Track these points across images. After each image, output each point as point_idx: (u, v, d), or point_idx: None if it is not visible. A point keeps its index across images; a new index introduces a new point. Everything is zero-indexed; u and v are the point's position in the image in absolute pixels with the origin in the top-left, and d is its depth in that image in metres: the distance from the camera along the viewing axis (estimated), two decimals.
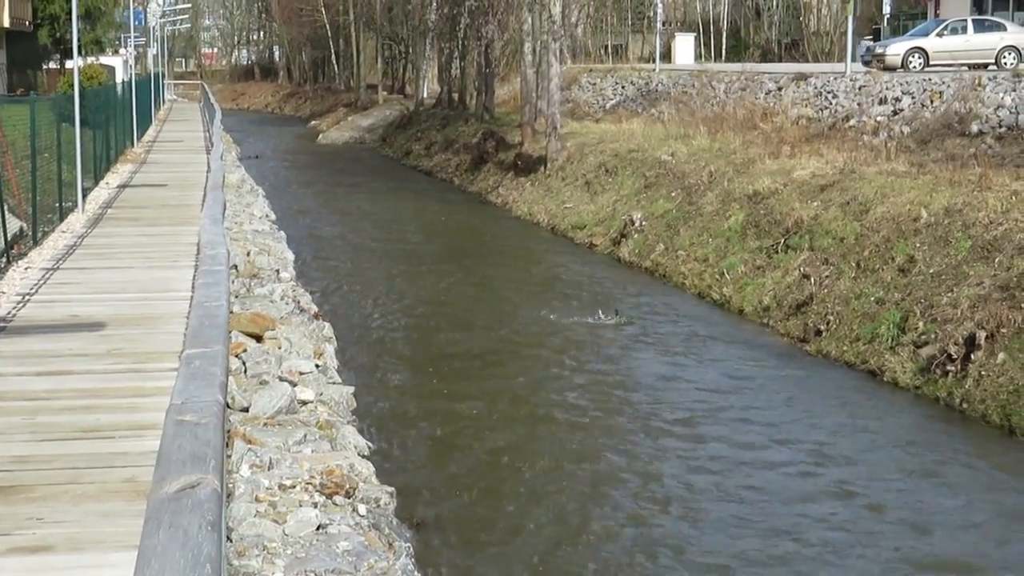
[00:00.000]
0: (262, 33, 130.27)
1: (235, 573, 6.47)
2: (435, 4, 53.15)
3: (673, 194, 24.85)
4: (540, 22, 35.76)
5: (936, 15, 41.79)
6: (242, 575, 6.50)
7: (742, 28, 73.13)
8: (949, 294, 15.24)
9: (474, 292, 21.52)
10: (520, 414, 13.77)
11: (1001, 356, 13.55)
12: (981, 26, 31.57)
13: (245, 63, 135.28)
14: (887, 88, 27.72)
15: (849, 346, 16.00)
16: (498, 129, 40.26)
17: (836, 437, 12.98)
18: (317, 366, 11.40)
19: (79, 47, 23.62)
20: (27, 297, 12.62)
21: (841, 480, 11.61)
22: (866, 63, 32.16)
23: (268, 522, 7.15)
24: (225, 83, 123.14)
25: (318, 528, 7.22)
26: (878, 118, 27.01)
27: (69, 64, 44.39)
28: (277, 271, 16.46)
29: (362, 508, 7.89)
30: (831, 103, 29.38)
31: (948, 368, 14.05)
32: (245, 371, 10.45)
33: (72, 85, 22.40)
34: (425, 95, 58.97)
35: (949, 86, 26.08)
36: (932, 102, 26.08)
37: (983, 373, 13.59)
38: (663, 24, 57.93)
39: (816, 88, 30.58)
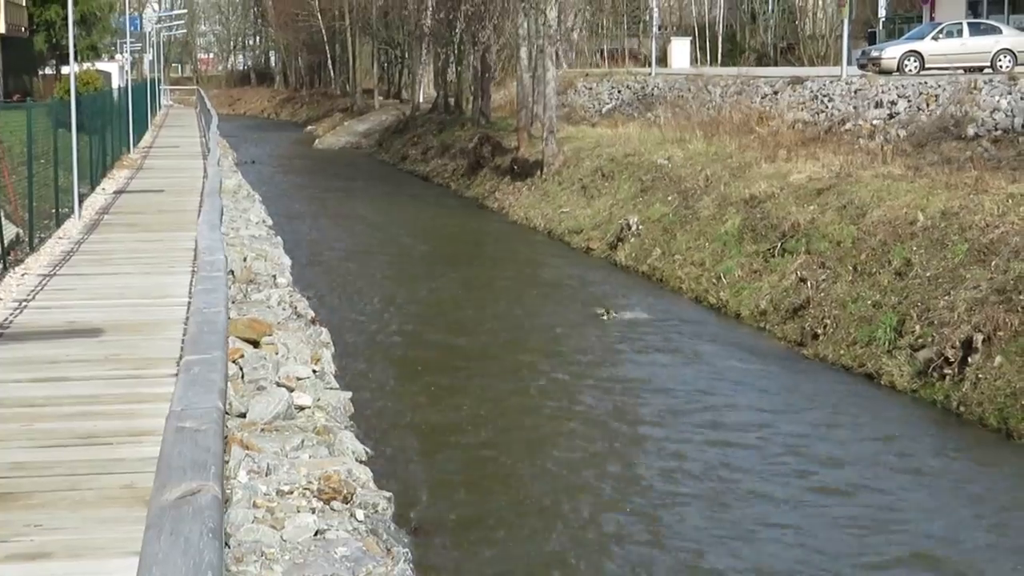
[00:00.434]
0: (258, 38, 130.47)
1: None
2: (431, 9, 53.15)
3: (669, 198, 24.85)
4: (536, 27, 35.76)
5: (932, 19, 41.84)
6: None
7: (738, 32, 73.28)
8: (946, 297, 15.25)
9: (471, 297, 21.52)
10: (519, 420, 13.77)
11: (998, 359, 13.56)
12: (977, 29, 31.62)
13: (241, 68, 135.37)
14: (883, 92, 27.76)
15: (846, 349, 16.01)
16: (494, 134, 40.25)
17: (833, 438, 12.99)
18: (314, 371, 11.38)
19: (75, 53, 23.57)
20: (24, 304, 12.59)
21: (841, 480, 11.63)
22: (862, 67, 32.21)
23: (266, 528, 7.14)
24: (221, 88, 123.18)
25: (316, 534, 7.21)
26: (874, 122, 27.04)
27: (65, 70, 44.34)
28: (274, 276, 16.44)
29: (360, 513, 7.88)
30: (827, 107, 29.40)
31: (945, 371, 14.06)
32: (242, 377, 10.44)
33: (68, 91, 22.36)
34: (421, 100, 58.96)
35: (945, 89, 26.13)
36: (928, 105, 26.12)
37: (980, 376, 13.61)
38: (659, 28, 57.95)
39: (812, 92, 30.60)
